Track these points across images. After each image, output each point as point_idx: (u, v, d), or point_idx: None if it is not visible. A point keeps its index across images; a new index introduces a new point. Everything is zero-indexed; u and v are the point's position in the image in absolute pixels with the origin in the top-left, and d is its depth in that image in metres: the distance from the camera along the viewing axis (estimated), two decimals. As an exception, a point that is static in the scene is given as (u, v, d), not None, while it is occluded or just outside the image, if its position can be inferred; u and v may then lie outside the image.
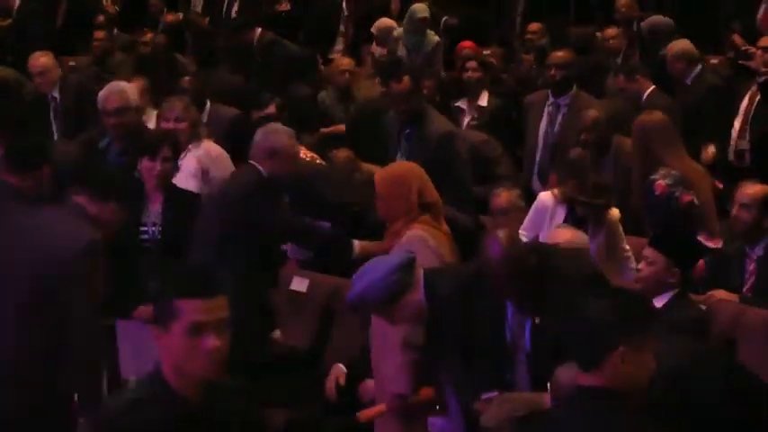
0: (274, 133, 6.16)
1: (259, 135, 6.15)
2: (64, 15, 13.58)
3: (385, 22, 11.69)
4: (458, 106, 9.21)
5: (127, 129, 7.14)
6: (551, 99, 8.54)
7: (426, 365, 5.09)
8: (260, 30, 11.23)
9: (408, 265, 4.81)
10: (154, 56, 11.06)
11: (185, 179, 6.87)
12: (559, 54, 8.62)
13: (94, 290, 4.57)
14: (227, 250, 5.83)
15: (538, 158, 8.55)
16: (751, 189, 6.22)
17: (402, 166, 6.18)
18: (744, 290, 6.20)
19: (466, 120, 9.11)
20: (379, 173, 5.87)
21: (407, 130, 7.14)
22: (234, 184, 6.21)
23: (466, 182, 6.98)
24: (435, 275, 4.88)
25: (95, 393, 4.60)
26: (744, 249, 6.28)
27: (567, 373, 3.91)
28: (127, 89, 7.34)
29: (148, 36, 12.45)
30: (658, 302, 5.36)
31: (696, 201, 6.77)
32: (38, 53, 9.46)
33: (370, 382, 5.43)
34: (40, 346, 4.51)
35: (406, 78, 7.10)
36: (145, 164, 6.39)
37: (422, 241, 5.36)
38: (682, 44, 9.61)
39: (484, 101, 9.16)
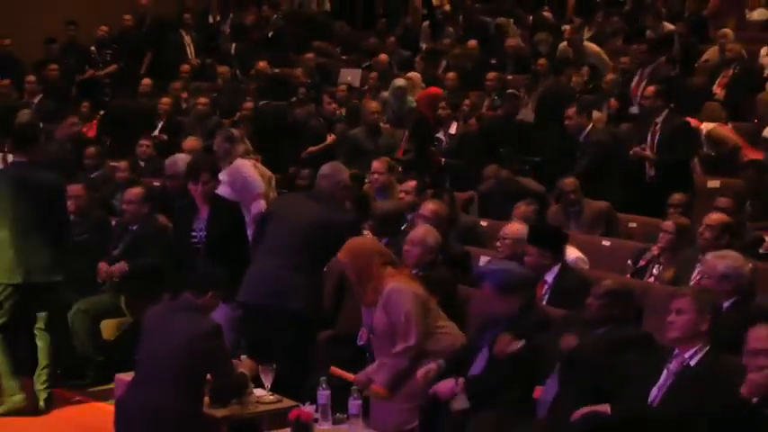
0: (342, 170, 8.15)
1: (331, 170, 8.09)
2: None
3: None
4: (438, 137, 12.58)
5: None
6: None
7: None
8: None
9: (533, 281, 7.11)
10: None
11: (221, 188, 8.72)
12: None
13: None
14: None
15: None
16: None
17: (356, 239, 7.43)
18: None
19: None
20: (344, 247, 7.17)
21: None
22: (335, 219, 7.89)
23: None
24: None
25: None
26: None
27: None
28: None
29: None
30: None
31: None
32: None
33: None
34: None
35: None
36: (190, 186, 8.26)
37: (399, 290, 6.87)
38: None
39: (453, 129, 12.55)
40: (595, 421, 5.79)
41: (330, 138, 13.41)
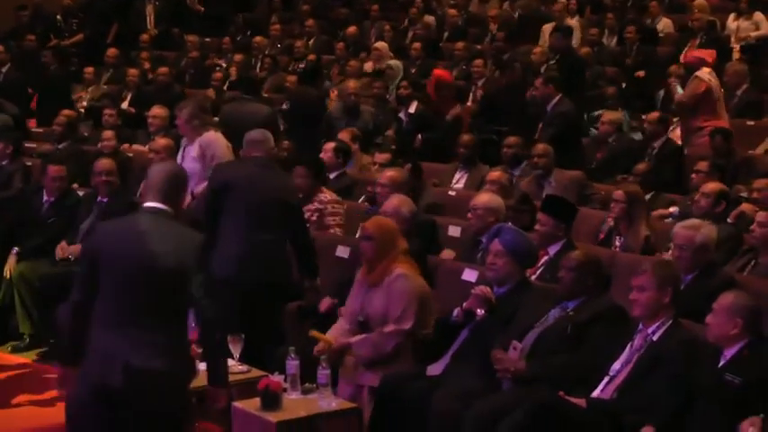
0: (269, 136, 7.94)
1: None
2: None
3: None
4: (399, 116, 12.51)
5: None
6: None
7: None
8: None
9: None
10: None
11: (191, 162, 8.81)
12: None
13: None
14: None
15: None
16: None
17: (386, 219, 7.49)
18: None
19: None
20: (373, 220, 7.28)
21: None
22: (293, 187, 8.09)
23: None
24: None
25: None
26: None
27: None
28: None
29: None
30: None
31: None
32: None
33: None
34: None
35: None
36: None
37: (408, 277, 6.97)
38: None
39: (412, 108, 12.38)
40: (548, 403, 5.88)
41: None
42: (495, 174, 9.43)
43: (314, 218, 8.87)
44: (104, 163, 9.38)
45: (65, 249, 9.16)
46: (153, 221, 5.20)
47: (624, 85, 13.32)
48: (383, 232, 7.11)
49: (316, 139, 11.35)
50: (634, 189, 8.54)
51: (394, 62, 14.75)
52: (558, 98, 11.17)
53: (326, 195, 9.04)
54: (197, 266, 5.14)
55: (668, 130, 10.96)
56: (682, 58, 12.83)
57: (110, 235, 5.27)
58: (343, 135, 10.89)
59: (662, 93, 12.85)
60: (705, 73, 11.22)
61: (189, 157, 9.21)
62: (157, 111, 11.45)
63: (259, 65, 15.99)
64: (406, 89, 12.72)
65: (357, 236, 7.67)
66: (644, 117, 11.58)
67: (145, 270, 5.09)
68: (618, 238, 8.35)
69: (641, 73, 13.49)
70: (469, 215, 8.21)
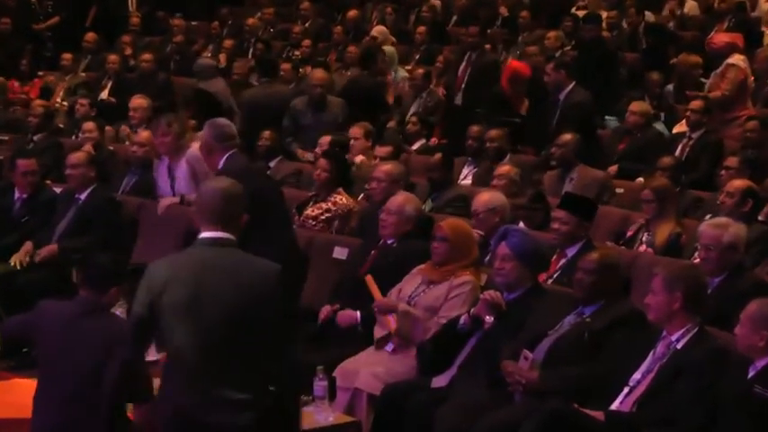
0: None
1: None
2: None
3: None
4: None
5: None
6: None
7: None
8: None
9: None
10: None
11: (185, 184, 8.87)
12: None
13: None
14: None
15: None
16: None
17: (466, 224, 7.59)
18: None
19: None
20: (450, 222, 7.37)
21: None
22: None
23: None
24: None
25: None
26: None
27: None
28: None
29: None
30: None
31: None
32: None
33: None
34: None
35: None
36: None
37: (474, 286, 7.13)
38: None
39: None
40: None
41: None
42: (504, 168, 9.43)
43: (323, 217, 8.87)
44: (77, 155, 9.33)
45: (41, 252, 9.08)
46: (215, 254, 4.87)
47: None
48: (459, 236, 7.23)
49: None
50: (663, 184, 8.53)
51: (388, 48, 14.53)
52: (571, 86, 11.17)
53: (342, 198, 8.99)
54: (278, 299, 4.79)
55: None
56: (708, 43, 12.81)
57: (169, 270, 4.92)
58: (356, 131, 10.82)
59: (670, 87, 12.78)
60: (740, 60, 11.23)
61: (181, 180, 9.12)
62: (139, 101, 11.43)
63: (251, 51, 15.98)
64: (415, 125, 12.23)
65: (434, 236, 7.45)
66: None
67: (219, 313, 4.77)
68: (646, 234, 8.35)
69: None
70: (473, 220, 8.15)
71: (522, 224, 8.37)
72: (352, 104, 12.01)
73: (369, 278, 7.35)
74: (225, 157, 7.19)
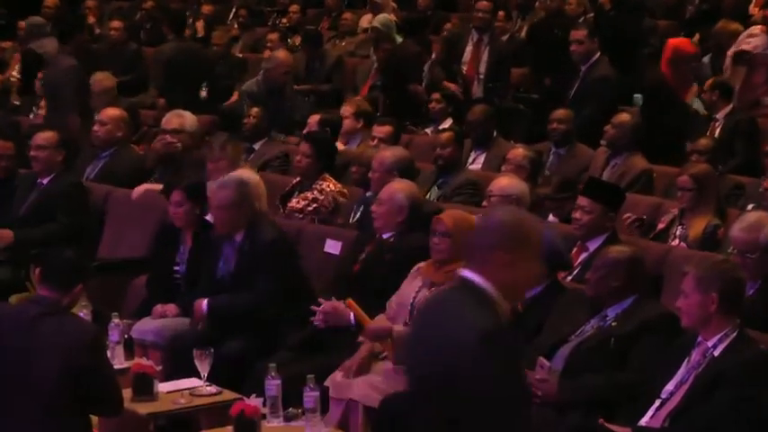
0: None
1: None
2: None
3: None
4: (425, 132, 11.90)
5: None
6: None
7: None
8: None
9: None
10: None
11: None
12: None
13: None
14: None
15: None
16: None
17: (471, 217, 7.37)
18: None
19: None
20: (451, 215, 7.19)
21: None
22: None
23: None
24: None
25: None
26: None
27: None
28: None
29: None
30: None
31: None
32: None
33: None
34: None
35: None
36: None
37: None
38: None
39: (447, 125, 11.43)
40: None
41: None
42: (516, 152, 9.32)
43: (310, 208, 8.89)
44: (45, 135, 9.33)
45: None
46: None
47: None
48: (463, 231, 7.00)
49: (410, 103, 11.44)
50: (703, 169, 8.51)
51: (382, 17, 14.05)
52: (596, 57, 11.15)
53: (329, 185, 9.02)
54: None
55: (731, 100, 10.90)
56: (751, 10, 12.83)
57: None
58: (347, 109, 10.86)
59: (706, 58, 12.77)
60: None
61: None
62: (101, 77, 11.43)
63: (232, 17, 15.99)
64: (439, 102, 11.94)
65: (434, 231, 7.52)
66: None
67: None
68: (680, 228, 8.36)
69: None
70: (485, 203, 8.19)
71: (551, 217, 8.41)
72: (387, 75, 12.26)
73: (350, 303, 7.21)
74: None
